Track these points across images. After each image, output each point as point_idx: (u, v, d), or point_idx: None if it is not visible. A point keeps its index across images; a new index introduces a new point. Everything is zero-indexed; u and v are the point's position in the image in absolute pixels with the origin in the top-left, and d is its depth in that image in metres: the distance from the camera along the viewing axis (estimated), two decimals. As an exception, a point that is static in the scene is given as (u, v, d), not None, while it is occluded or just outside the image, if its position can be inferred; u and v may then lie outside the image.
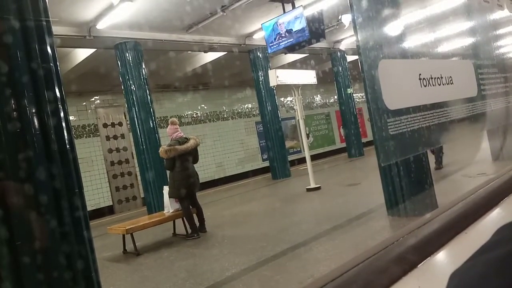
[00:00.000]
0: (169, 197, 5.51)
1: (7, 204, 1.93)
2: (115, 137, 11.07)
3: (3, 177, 1.94)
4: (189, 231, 5.54)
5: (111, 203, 10.69)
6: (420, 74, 1.25)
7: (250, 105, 14.02)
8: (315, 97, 16.47)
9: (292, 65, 12.01)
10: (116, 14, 6.88)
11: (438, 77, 1.32)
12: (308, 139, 15.54)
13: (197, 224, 5.61)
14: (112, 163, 11.00)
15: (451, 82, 1.38)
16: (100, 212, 9.94)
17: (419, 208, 4.69)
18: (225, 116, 13.58)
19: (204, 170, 12.46)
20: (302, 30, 7.43)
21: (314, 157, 15.31)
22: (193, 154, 5.59)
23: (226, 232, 5.74)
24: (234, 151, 13.37)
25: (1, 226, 1.93)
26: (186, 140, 5.54)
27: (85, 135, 10.55)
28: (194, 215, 5.59)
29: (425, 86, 1.26)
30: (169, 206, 5.57)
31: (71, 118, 10.05)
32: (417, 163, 4.61)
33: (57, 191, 2.16)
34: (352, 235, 4.54)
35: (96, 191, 10.38)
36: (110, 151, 11.00)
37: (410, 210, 4.75)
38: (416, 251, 0.79)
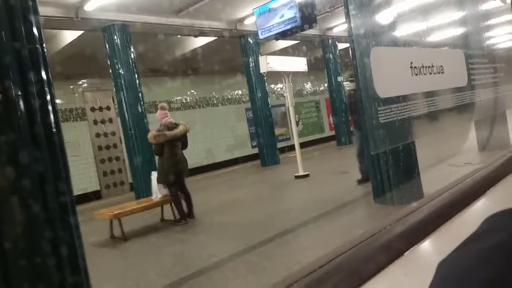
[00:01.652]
0: (157, 182, 5.48)
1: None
2: (103, 122, 10.94)
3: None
4: (177, 217, 5.53)
5: (98, 188, 10.62)
6: (411, 63, 1.24)
7: (240, 92, 13.95)
8: (305, 84, 16.44)
9: (283, 52, 11.93)
10: (104, -5, 6.74)
11: (429, 66, 1.31)
12: (297, 126, 15.60)
13: (185, 210, 5.60)
14: (100, 148, 10.89)
15: (442, 71, 1.37)
16: (87, 197, 9.85)
17: (405, 197, 4.75)
18: (215, 102, 13.50)
19: (194, 156, 12.42)
20: (294, 16, 7.36)
21: (303, 145, 15.34)
22: (182, 140, 5.56)
23: (214, 218, 5.75)
24: (223, 137, 13.33)
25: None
26: (176, 125, 5.49)
27: (72, 119, 10.41)
28: (182, 201, 5.58)
29: (416, 74, 1.25)
30: (157, 191, 5.56)
31: (57, 101, 9.94)
32: (405, 152, 4.65)
33: (42, 175, 2.12)
34: (339, 223, 4.59)
35: (83, 176, 10.27)
36: (98, 135, 10.88)
37: (397, 198, 4.81)
38: (402, 239, 0.79)
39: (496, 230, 0.41)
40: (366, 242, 0.81)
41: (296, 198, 6.66)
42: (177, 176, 5.45)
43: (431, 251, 0.81)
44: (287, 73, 7.81)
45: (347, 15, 4.73)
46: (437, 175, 6.27)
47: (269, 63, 7.41)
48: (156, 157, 5.66)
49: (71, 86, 10.48)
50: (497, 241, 0.39)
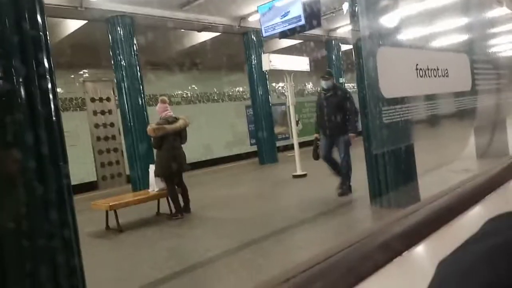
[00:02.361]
0: (155, 175, 5.48)
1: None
2: (102, 112, 10.93)
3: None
4: (173, 210, 5.53)
5: (95, 179, 10.61)
6: (417, 64, 1.24)
7: (241, 89, 13.94)
8: (307, 84, 16.43)
9: (286, 51, 11.91)
10: (109, -14, 6.71)
11: (434, 69, 1.31)
12: (297, 126, 15.59)
13: (182, 204, 5.60)
14: (99, 139, 10.88)
15: (446, 74, 1.37)
16: (83, 187, 9.84)
17: (401, 200, 4.76)
18: (215, 98, 13.49)
19: (192, 151, 12.37)
20: (298, 15, 7.35)
21: (302, 144, 15.31)
22: (182, 134, 5.54)
23: (210, 213, 5.75)
24: (222, 133, 13.32)
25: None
26: (175, 119, 5.48)
27: (71, 109, 10.39)
28: (179, 195, 5.58)
29: (421, 76, 1.25)
30: (154, 184, 5.55)
31: (58, 90, 9.91)
32: (404, 155, 4.65)
33: (41, 158, 2.12)
34: (335, 223, 4.59)
35: (81, 166, 10.24)
36: (97, 126, 10.87)
37: (393, 201, 4.82)
38: (401, 240, 0.79)
39: (497, 232, 0.41)
40: (364, 241, 0.81)
41: (293, 197, 6.67)
42: (174, 170, 5.45)
43: (430, 251, 0.81)
44: (289, 72, 7.80)
45: (353, 15, 4.74)
46: (435, 180, 6.28)
47: (272, 61, 7.40)
48: (155, 150, 5.65)
49: (72, 76, 10.46)
50: (497, 243, 0.38)
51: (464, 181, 1.16)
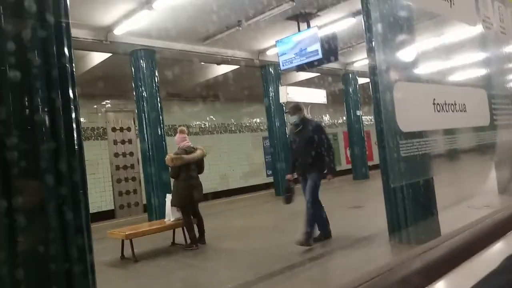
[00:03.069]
0: (171, 205, 5.50)
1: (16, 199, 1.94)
2: (122, 142, 11.14)
3: (17, 172, 1.96)
4: (188, 241, 5.50)
5: (112, 207, 10.69)
6: (434, 99, 1.26)
7: (258, 120, 14.07)
8: (323, 116, 16.49)
9: (303, 83, 12.06)
10: (134, 21, 6.99)
11: (452, 104, 1.34)
12: (314, 158, 15.54)
13: (197, 235, 5.58)
14: (118, 168, 11.05)
15: (464, 109, 1.39)
16: (101, 216, 9.92)
17: (422, 236, 4.63)
18: (233, 129, 13.63)
19: (208, 181, 12.44)
20: (316, 50, 7.49)
21: (319, 176, 15.20)
22: (199, 164, 5.60)
23: (225, 245, 5.69)
24: (239, 164, 13.37)
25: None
26: (193, 149, 5.55)
27: (93, 138, 10.63)
28: (195, 226, 5.57)
29: (439, 111, 1.27)
30: (170, 214, 5.56)
31: (81, 120, 10.19)
32: (424, 189, 4.57)
33: (62, 189, 2.17)
34: (352, 258, 4.48)
35: (99, 194, 10.39)
36: (117, 155, 11.06)
37: (413, 237, 4.70)
38: (420, 275, 0.78)
39: None
40: (383, 275, 0.79)
41: (309, 230, 6.56)
42: (191, 200, 5.46)
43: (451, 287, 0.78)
44: (306, 105, 7.86)
45: (370, 50, 4.80)
46: (455, 216, 6.12)
47: (289, 94, 7.50)
48: (172, 180, 5.70)
49: (95, 106, 10.77)
50: None
51: (485, 216, 1.15)
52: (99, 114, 10.89)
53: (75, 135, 2.29)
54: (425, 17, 1.33)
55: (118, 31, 7.38)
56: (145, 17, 6.88)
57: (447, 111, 1.32)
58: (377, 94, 4.73)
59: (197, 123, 12.80)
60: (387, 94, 1.11)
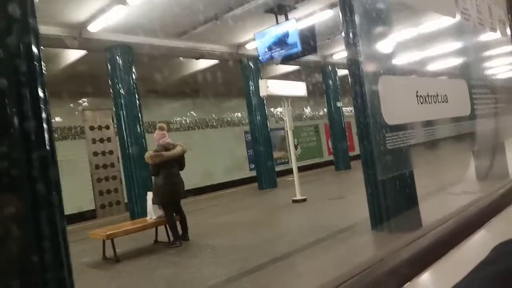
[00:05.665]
0: (153, 203, 5.42)
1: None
2: (101, 140, 10.94)
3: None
4: (171, 239, 5.44)
5: (93, 207, 10.52)
6: (417, 91, 1.29)
7: (239, 114, 14.02)
8: (305, 109, 16.55)
9: (283, 76, 12.05)
10: (108, 17, 6.82)
11: (434, 95, 1.36)
12: (296, 150, 15.59)
13: (180, 232, 5.52)
14: (97, 167, 10.86)
15: (446, 100, 1.42)
16: (82, 216, 9.76)
17: (404, 225, 4.69)
18: (214, 124, 13.55)
19: (191, 177, 12.34)
20: (294, 42, 7.46)
21: (301, 169, 15.32)
22: (179, 161, 5.52)
23: (209, 241, 5.66)
24: (221, 159, 13.31)
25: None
26: (173, 146, 5.47)
27: (70, 137, 10.40)
28: (178, 223, 5.51)
29: (422, 103, 1.30)
30: (152, 212, 5.49)
31: (58, 119, 9.96)
32: (404, 180, 4.62)
33: (35, 194, 2.09)
34: (335, 250, 4.51)
35: (79, 194, 10.19)
36: (96, 154, 10.87)
37: (395, 227, 4.75)
38: (410, 265, 0.78)
39: (506, 257, 0.43)
40: (373, 267, 0.78)
41: (293, 223, 6.59)
42: (172, 197, 5.40)
43: (440, 277, 0.79)
44: (287, 98, 7.85)
45: (349, 43, 4.78)
46: (437, 203, 6.22)
47: (269, 87, 7.46)
48: (153, 178, 5.61)
49: (72, 105, 10.53)
50: (507, 267, 0.40)
51: (469, 204, 1.16)
52: (76, 112, 10.66)
53: (46, 135, 2.21)
54: (402, 7, 1.33)
55: (92, 28, 7.20)
56: (120, 13, 6.72)
57: (429, 103, 1.34)
58: (356, 87, 4.73)
59: (178, 119, 12.67)
60: (372, 89, 1.12)
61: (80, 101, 10.74)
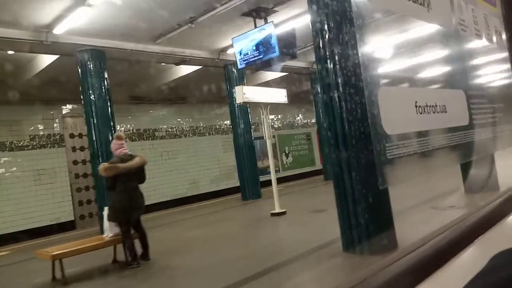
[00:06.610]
0: (108, 220, 5.00)
1: None
2: (82, 149, 10.57)
3: None
4: (129, 258, 5.00)
5: (72, 218, 10.12)
6: (416, 102, 1.31)
7: (228, 122, 13.62)
8: (296, 116, 16.13)
9: (272, 83, 11.66)
10: (72, 19, 6.44)
11: (432, 105, 1.39)
12: (287, 158, 15.14)
13: (140, 250, 5.10)
14: (77, 176, 10.49)
15: (445, 110, 1.46)
16: (59, 227, 9.36)
17: (376, 247, 4.26)
18: (202, 131, 13.16)
19: (177, 187, 11.96)
20: (273, 47, 7.07)
21: (292, 178, 14.93)
22: (138, 174, 5.09)
23: (170, 260, 5.23)
24: (209, 168, 12.91)
25: None
26: (131, 157, 5.05)
27: (49, 145, 10.03)
28: (137, 241, 5.08)
29: (421, 113, 1.32)
30: (109, 229, 5.07)
31: (36, 126, 9.59)
32: (378, 197, 4.18)
33: None
34: (293, 278, 4.08)
35: (57, 205, 9.79)
36: (76, 163, 10.50)
37: (367, 248, 4.31)
38: (406, 278, 0.76)
39: (504, 266, 0.44)
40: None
41: (266, 239, 6.14)
42: (130, 214, 4.97)
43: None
44: (265, 105, 7.44)
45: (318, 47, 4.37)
46: (419, 218, 5.77)
47: (245, 94, 7.06)
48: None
49: (51, 112, 10.18)
50: (505, 276, 0.41)
51: (457, 219, 1.12)
52: (56, 120, 10.29)
53: None
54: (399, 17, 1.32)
55: (58, 30, 6.82)
56: (85, 15, 6.33)
57: (428, 113, 1.37)
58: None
59: (163, 126, 12.28)
60: (372, 99, 1.12)
61: (60, 108, 10.39)
